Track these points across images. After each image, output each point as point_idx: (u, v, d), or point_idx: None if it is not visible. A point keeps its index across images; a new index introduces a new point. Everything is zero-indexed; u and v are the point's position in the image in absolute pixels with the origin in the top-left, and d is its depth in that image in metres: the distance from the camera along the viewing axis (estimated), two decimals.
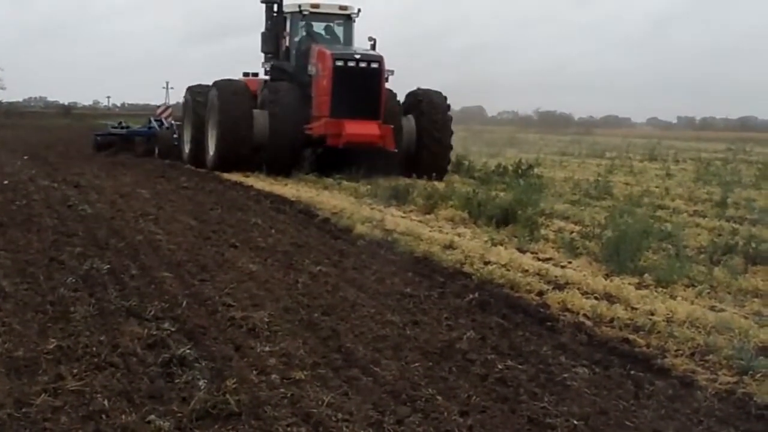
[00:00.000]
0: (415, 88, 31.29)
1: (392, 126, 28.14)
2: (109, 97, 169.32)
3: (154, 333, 9.14)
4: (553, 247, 15.58)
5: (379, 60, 27.91)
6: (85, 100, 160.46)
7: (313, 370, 8.22)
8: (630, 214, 18.58)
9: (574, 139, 75.32)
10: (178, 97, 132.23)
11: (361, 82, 27.46)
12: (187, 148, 32.60)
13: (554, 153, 50.93)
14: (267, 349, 8.77)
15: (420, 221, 18.60)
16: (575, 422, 7.27)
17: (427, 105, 29.67)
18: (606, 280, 12.85)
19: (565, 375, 8.59)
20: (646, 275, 13.09)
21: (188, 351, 8.49)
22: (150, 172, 29.46)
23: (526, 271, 13.31)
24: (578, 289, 12.17)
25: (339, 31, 31.27)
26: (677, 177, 34.30)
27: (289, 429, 6.74)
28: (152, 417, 6.86)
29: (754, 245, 15.34)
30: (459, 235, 16.64)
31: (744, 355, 9.09)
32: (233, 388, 7.50)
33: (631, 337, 9.95)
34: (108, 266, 12.33)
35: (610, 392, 8.21)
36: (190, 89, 32.87)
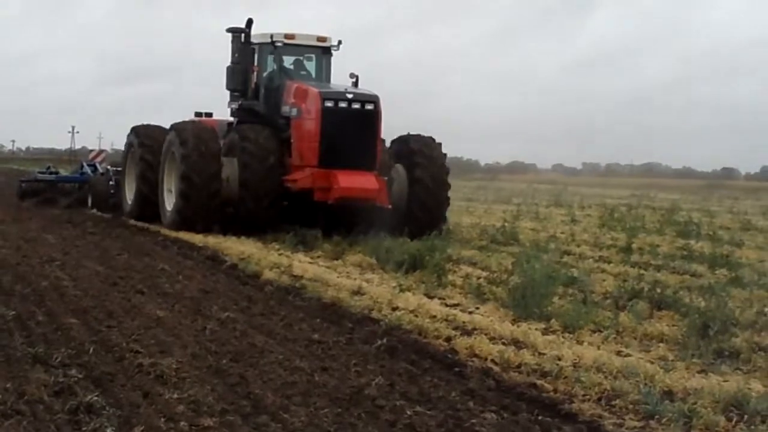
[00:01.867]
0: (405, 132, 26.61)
1: (386, 178, 24.25)
2: (13, 141, 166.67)
3: (61, 380, 8.99)
4: (460, 293, 15.72)
5: (375, 101, 23.75)
6: None
7: (222, 416, 8.15)
8: (536, 260, 18.78)
9: (480, 184, 76.07)
10: (84, 141, 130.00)
11: (355, 127, 23.32)
12: (129, 200, 27.95)
13: (460, 199, 51.26)
14: (175, 396, 8.66)
15: (328, 267, 18.62)
16: None
17: (421, 153, 25.04)
18: (513, 325, 12.96)
19: (474, 421, 8.58)
20: (552, 321, 13.24)
21: (96, 398, 8.37)
22: (56, 217, 28.55)
23: (434, 316, 13.37)
24: (486, 334, 12.25)
25: (316, 65, 26.64)
26: (582, 223, 34.70)
27: None
28: None
29: (658, 290, 15.67)
30: (367, 281, 16.70)
31: (650, 399, 9.24)
32: None
33: (539, 382, 10.02)
34: (13, 312, 12.14)
35: None
36: (135, 130, 28.15)
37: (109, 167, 33.05)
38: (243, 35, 25.43)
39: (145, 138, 27.32)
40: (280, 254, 19.80)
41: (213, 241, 21.83)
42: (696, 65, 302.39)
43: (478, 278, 17.19)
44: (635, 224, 32.65)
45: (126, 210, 28.12)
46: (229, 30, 25.76)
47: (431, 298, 15.08)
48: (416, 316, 13.35)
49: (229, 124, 25.74)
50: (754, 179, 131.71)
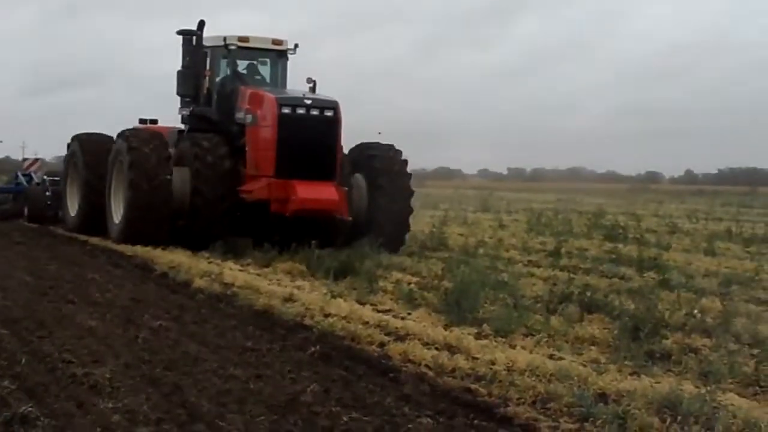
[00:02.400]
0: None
1: (346, 188, 22.86)
2: None
3: None
4: (392, 299, 15.75)
5: (335, 107, 22.16)
6: None
7: (158, 426, 8.12)
8: (466, 265, 18.90)
9: None
10: (6, 150, 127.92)
11: (313, 134, 21.62)
12: (72, 212, 26.17)
13: None
14: (110, 405, 8.60)
15: (258, 274, 18.60)
16: None
17: (381, 162, 23.57)
18: (446, 330, 13.01)
19: (410, 426, 8.63)
20: (484, 325, 13.33)
21: (30, 409, 8.27)
22: None
23: (367, 322, 13.39)
24: (419, 340, 12.29)
25: (271, 70, 24.93)
26: (510, 228, 35.01)
27: None
28: None
29: (588, 294, 15.84)
30: (298, 287, 16.69)
31: (584, 402, 9.31)
32: None
33: (473, 386, 10.07)
34: None
35: None
36: (77, 138, 26.19)
37: (45, 177, 31.33)
38: (194, 38, 23.81)
39: (88, 146, 25.61)
40: (209, 262, 19.70)
41: (142, 250, 21.58)
42: (619, 71, 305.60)
43: (409, 284, 17.27)
44: (563, 228, 33.02)
45: (68, 222, 26.52)
46: (179, 32, 24.06)
47: (363, 304, 15.09)
48: (349, 322, 13.36)
49: (180, 131, 24.23)
50: (679, 183, 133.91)
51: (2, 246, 22.80)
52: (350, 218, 22.30)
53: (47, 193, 29.42)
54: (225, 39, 23.65)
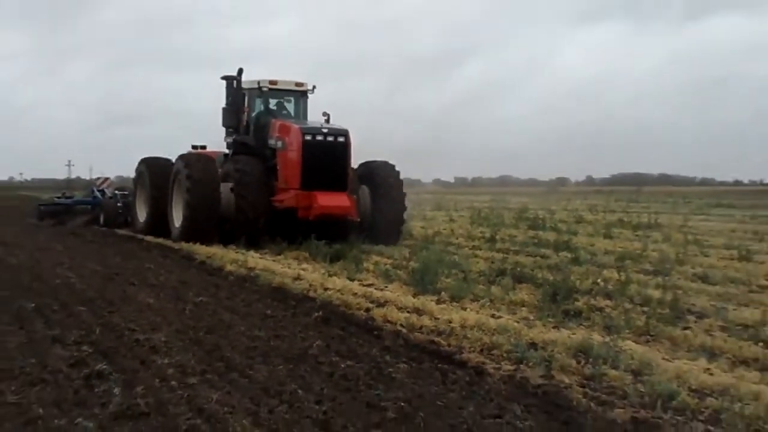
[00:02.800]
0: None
1: (354, 196, 22.55)
2: (21, 174, 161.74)
3: (75, 354, 8.87)
4: (373, 276, 15.69)
5: (345, 134, 21.89)
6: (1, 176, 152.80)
7: (202, 375, 8.14)
8: (427, 250, 18.93)
9: None
10: (77, 172, 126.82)
11: (329, 156, 21.46)
12: (141, 218, 25.53)
13: None
14: (166, 361, 8.62)
15: (273, 260, 18.42)
16: (401, 404, 7.37)
17: (381, 175, 23.28)
18: (414, 298, 12.99)
19: (390, 369, 8.68)
20: (442, 294, 13.27)
21: (104, 367, 8.28)
22: (61, 230, 27.58)
23: (356, 293, 13.40)
24: (395, 305, 12.30)
25: (295, 106, 24.50)
26: (458, 222, 34.83)
27: (187, 422, 6.65)
28: (79, 420, 6.69)
29: (518, 269, 15.96)
30: (303, 269, 16.52)
31: (519, 349, 9.40)
32: (142, 393, 7.39)
33: (436, 339, 10.11)
34: (33, 304, 11.82)
35: (425, 380, 8.32)
36: (145, 161, 25.62)
37: (116, 191, 30.66)
38: (235, 81, 23.56)
39: (153, 167, 25.01)
40: (237, 252, 19.47)
41: (185, 245, 21.32)
42: (545, 100, 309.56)
43: (386, 265, 17.17)
44: (497, 221, 32.99)
45: (137, 227, 25.64)
46: (223, 78, 23.72)
47: (352, 280, 15.01)
48: (342, 294, 13.35)
49: (225, 155, 23.75)
50: (582, 185, 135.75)
51: (78, 245, 22.55)
52: (359, 219, 22.17)
53: (118, 204, 28.76)
54: (259, 82, 23.46)
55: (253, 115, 23.79)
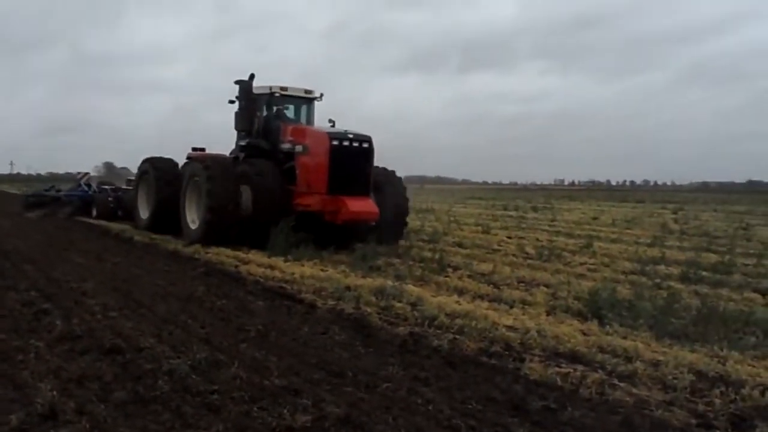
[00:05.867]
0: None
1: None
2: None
3: (26, 298, 8.75)
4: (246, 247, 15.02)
5: (369, 140, 16.17)
6: None
7: (120, 311, 8.15)
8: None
9: None
10: (16, 169, 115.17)
11: (355, 161, 15.83)
12: (144, 216, 18.89)
13: None
14: (93, 302, 8.57)
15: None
16: (259, 327, 7.58)
17: (387, 181, 17.44)
18: (269, 258, 13.00)
19: (252, 305, 8.86)
20: (289, 256, 13.24)
21: (48, 306, 8.22)
22: (12, 214, 23.67)
23: (228, 255, 13.36)
24: (255, 263, 12.35)
25: (303, 111, 18.53)
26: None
27: (110, 341, 6.69)
28: (32, 341, 6.70)
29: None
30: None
31: (339, 290, 9.65)
32: (77, 323, 7.39)
33: (284, 285, 10.26)
34: None
35: (275, 312, 8.51)
36: (150, 161, 19.00)
37: (103, 186, 24.51)
38: (247, 86, 17.70)
39: (159, 167, 18.65)
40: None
41: (105, 223, 20.16)
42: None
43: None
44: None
45: (141, 224, 18.94)
46: (236, 82, 17.64)
47: (226, 246, 14.65)
48: (218, 255, 13.35)
49: (235, 158, 17.47)
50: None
51: (23, 222, 21.10)
52: (374, 222, 16.22)
53: (110, 199, 22.79)
54: (270, 88, 17.71)
55: (264, 118, 18.11)
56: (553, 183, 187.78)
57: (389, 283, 10.21)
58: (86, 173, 27.24)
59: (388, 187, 17.19)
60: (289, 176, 16.06)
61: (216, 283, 10.45)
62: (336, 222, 15.27)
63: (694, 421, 5.35)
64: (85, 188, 24.63)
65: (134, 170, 21.25)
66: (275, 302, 9.15)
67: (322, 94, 18.10)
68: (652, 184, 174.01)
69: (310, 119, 18.19)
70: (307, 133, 16.42)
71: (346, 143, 15.65)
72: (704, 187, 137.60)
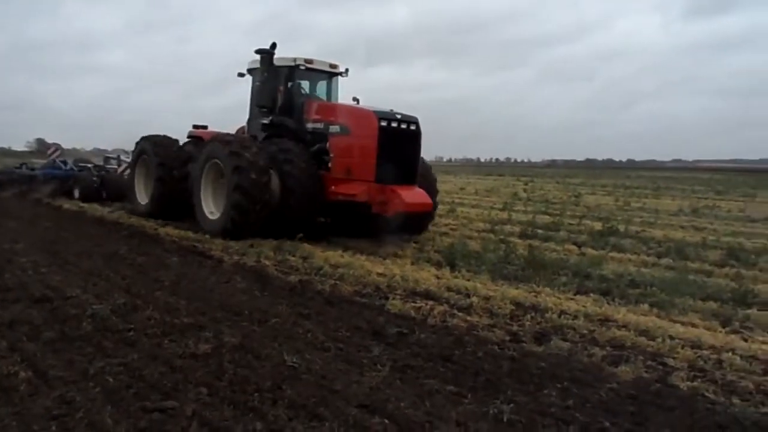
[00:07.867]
0: None
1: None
2: None
3: None
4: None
5: (417, 122, 11.51)
6: None
7: (49, 267, 7.98)
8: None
9: None
10: None
11: (404, 145, 11.31)
12: (142, 201, 14.17)
13: None
14: (24, 260, 8.32)
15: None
16: (174, 278, 7.62)
17: (423, 170, 12.24)
18: (185, 232, 12.57)
19: (168, 261, 8.80)
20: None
21: None
22: None
23: (148, 221, 12.97)
24: (172, 227, 12.05)
25: (327, 88, 13.54)
26: None
27: (41, 292, 6.63)
28: None
29: None
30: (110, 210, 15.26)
31: (243, 248, 9.66)
32: (9, 278, 7.24)
33: (196, 244, 10.22)
34: None
35: (188, 266, 8.47)
36: (149, 139, 14.06)
37: (87, 164, 19.15)
38: (269, 56, 12.53)
39: (158, 146, 13.84)
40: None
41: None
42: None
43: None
44: None
45: (140, 209, 14.15)
46: (257, 51, 12.54)
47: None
48: (140, 221, 12.85)
49: (253, 136, 12.87)
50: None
51: None
52: (430, 215, 12.72)
53: (93, 179, 17.47)
54: (295, 59, 13.00)
55: (287, 93, 13.13)
56: (434, 160, 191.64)
57: (287, 241, 10.18)
58: (56, 149, 20.48)
59: (423, 177, 12.42)
60: (317, 160, 11.87)
61: (137, 243, 10.23)
62: (386, 214, 10.97)
63: (508, 338, 6.01)
64: (61, 165, 19.21)
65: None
66: (188, 258, 9.06)
67: (347, 69, 13.68)
68: (513, 161, 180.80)
69: (330, 96, 13.66)
70: (344, 111, 12.04)
71: (394, 125, 11.32)
72: (552, 164, 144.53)
